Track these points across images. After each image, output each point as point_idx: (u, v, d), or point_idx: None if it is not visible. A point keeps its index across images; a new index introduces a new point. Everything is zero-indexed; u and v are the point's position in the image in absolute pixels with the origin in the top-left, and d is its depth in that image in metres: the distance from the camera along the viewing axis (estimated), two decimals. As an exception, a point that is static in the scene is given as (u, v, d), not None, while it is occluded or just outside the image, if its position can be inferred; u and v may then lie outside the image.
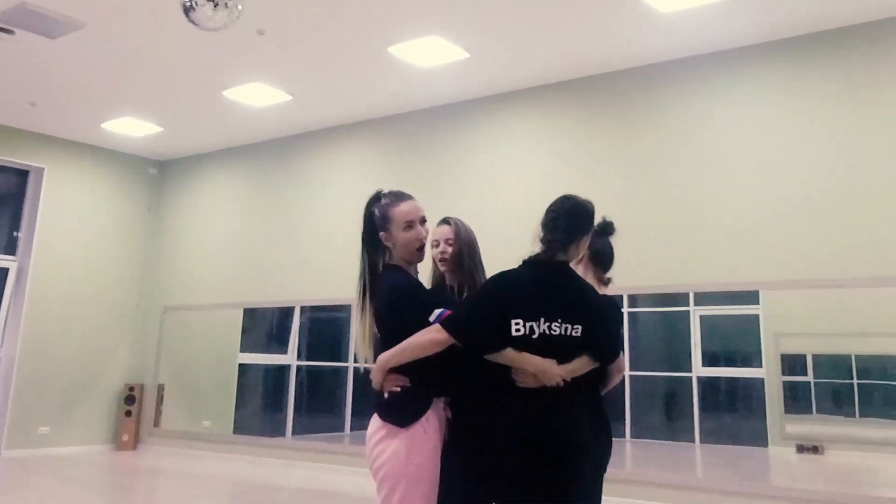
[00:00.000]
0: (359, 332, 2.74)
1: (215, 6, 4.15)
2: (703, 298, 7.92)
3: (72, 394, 8.90)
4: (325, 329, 9.92)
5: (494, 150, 7.10)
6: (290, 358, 9.18)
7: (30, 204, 8.88)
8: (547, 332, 2.48)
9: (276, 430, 8.72)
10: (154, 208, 9.87)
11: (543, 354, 2.46)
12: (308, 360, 9.55)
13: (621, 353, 2.80)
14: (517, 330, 2.46)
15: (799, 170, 5.60)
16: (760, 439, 6.45)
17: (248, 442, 8.35)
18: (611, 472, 2.90)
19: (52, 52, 6.48)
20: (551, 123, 6.84)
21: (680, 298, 8.22)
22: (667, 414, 9.31)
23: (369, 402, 2.70)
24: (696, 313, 8.30)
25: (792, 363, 6.25)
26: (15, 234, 8.83)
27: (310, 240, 8.27)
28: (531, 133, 6.94)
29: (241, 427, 8.76)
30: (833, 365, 6.15)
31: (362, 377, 2.75)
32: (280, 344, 9.32)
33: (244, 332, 9.02)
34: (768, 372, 6.24)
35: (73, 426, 8.90)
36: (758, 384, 6.63)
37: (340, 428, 9.23)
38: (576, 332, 2.52)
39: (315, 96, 7.45)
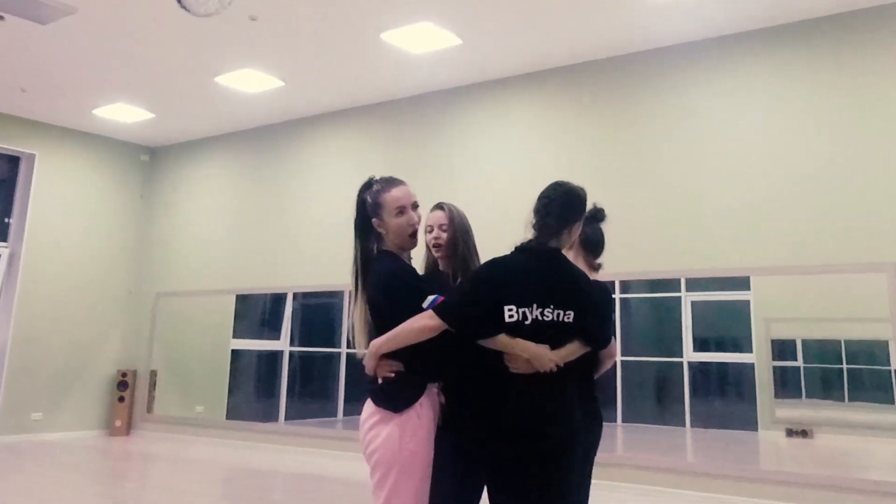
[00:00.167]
0: (356, 319, 2.74)
1: (207, -8, 4.15)
2: (694, 284, 7.97)
3: (65, 380, 8.90)
4: (317, 315, 9.96)
5: (487, 136, 7.11)
6: (282, 344, 9.21)
7: (21, 190, 8.85)
8: (539, 317, 2.49)
9: (269, 416, 8.76)
10: (146, 195, 9.84)
11: (536, 340, 2.47)
12: (300, 345, 9.59)
13: (613, 338, 2.82)
14: (510, 316, 2.47)
15: (789, 157, 5.63)
16: (750, 423, 6.52)
17: (241, 427, 8.37)
18: (602, 456, 2.93)
19: (43, 38, 6.44)
20: (543, 110, 6.85)
21: (671, 284, 8.27)
22: (658, 398, 9.39)
23: (362, 387, 2.71)
24: (687, 299, 8.36)
25: (782, 348, 6.32)
26: (6, 220, 8.80)
27: (302, 226, 8.27)
28: (523, 119, 6.95)
29: (234, 413, 8.79)
30: (822, 350, 6.21)
31: (355, 363, 2.73)
32: (273, 330, 9.35)
33: (237, 317, 9.03)
34: (758, 357, 6.30)
35: (66, 412, 8.91)
36: (748, 369, 6.70)
37: (333, 413, 9.28)
38: (568, 318, 2.54)
39: (307, 82, 7.43)
